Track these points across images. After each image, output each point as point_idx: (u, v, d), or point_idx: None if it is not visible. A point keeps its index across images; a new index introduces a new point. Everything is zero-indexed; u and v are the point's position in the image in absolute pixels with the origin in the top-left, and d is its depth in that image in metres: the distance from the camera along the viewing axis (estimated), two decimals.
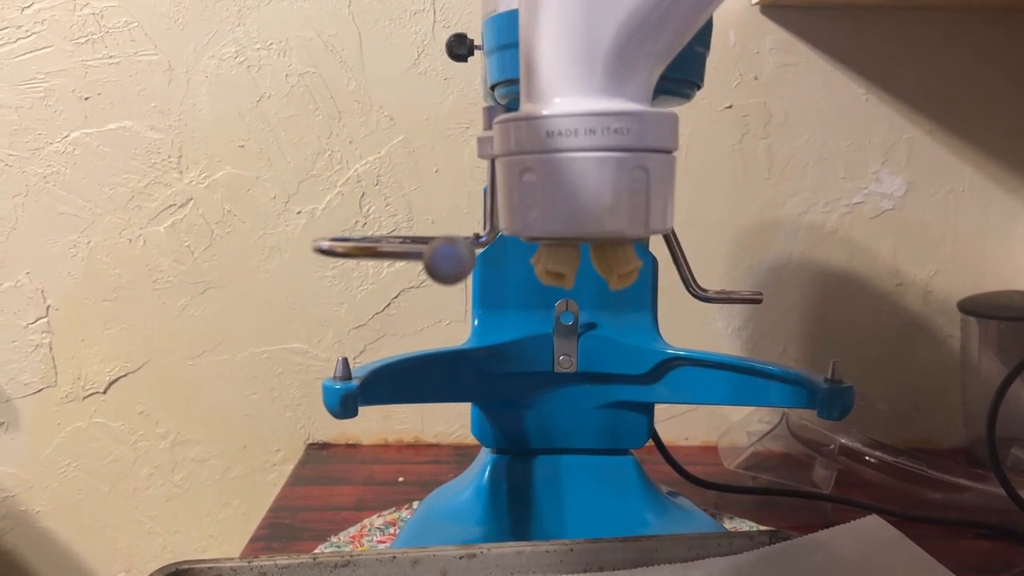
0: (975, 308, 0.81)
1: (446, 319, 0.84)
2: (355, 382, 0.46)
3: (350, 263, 0.83)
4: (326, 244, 0.33)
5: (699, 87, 0.47)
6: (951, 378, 0.86)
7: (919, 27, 0.82)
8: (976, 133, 0.84)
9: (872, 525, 0.49)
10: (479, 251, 0.57)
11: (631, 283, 0.36)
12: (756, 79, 0.83)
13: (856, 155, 0.84)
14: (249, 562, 0.44)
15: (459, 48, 0.51)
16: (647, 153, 0.33)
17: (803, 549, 0.47)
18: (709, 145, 0.83)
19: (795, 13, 0.82)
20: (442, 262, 0.26)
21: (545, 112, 0.32)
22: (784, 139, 0.83)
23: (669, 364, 0.57)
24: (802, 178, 0.84)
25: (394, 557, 0.45)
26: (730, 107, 0.83)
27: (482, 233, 0.38)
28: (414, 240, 0.31)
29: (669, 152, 0.34)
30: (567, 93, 0.32)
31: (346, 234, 0.83)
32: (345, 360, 0.46)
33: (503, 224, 0.34)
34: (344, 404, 0.45)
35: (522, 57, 0.34)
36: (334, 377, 0.46)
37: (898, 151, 0.84)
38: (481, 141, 0.38)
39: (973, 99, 0.83)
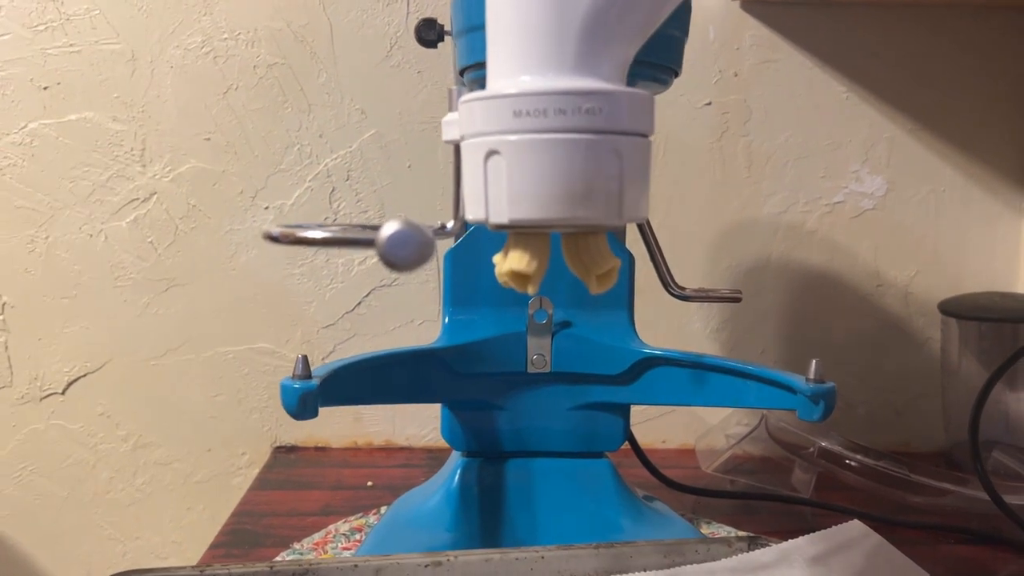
0: (956, 309, 0.80)
1: (419, 318, 0.82)
2: (315, 381, 0.44)
3: (319, 260, 0.81)
4: (276, 231, 0.31)
5: (676, 74, 0.45)
6: (931, 381, 0.85)
7: (901, 24, 0.81)
8: (957, 133, 0.83)
9: (854, 530, 0.48)
10: (445, 241, 0.55)
11: (612, 285, 0.34)
12: (736, 75, 0.82)
13: (836, 154, 0.83)
14: (202, 571, 0.42)
15: (428, 33, 0.49)
16: (621, 136, 0.31)
17: (783, 555, 0.46)
18: (687, 143, 0.82)
19: (775, 9, 0.80)
20: (397, 247, 0.24)
21: (512, 90, 0.30)
22: (764, 137, 0.82)
23: (646, 364, 0.55)
24: (782, 177, 0.83)
25: (356, 565, 0.43)
26: (709, 104, 0.82)
27: (448, 223, 0.36)
28: (370, 228, 0.29)
29: (645, 136, 0.32)
30: (536, 70, 0.30)
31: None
32: (304, 358, 0.44)
33: (468, 211, 0.32)
34: (303, 404, 0.43)
35: (489, 32, 0.32)
36: (293, 376, 0.44)
37: (879, 150, 0.83)
38: (447, 124, 0.36)
39: (955, 98, 0.82)
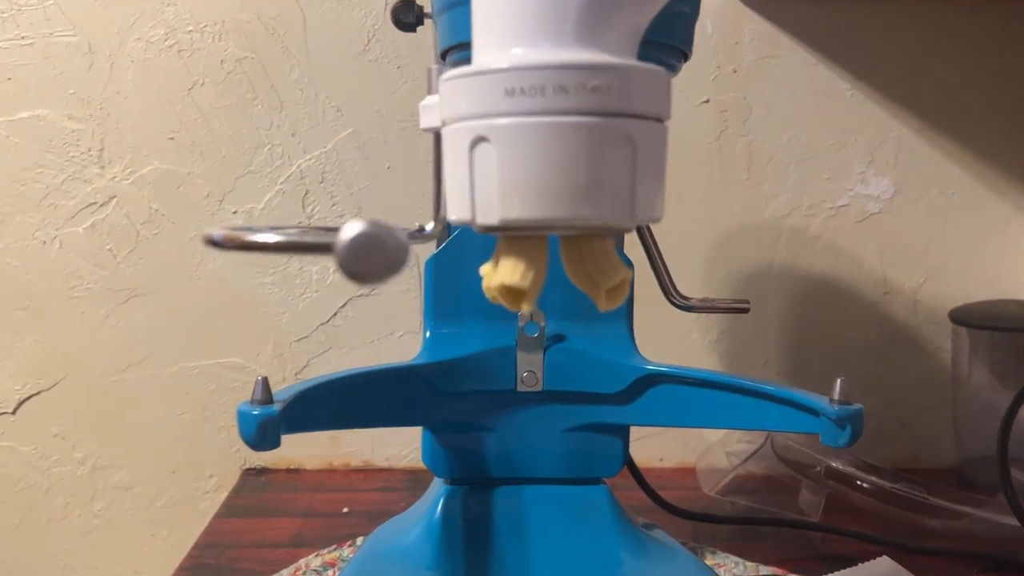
0: (967, 318, 0.76)
1: (399, 330, 0.77)
2: (276, 406, 0.38)
3: (292, 267, 0.75)
4: (218, 234, 0.26)
5: (687, 57, 0.40)
6: (941, 393, 0.81)
7: (907, 19, 0.77)
8: (966, 132, 0.78)
9: (883, 567, 0.43)
10: (427, 247, 0.50)
11: (622, 300, 0.29)
12: (735, 72, 0.77)
13: (840, 154, 0.78)
14: None
15: (406, 15, 0.44)
16: (634, 120, 0.26)
17: None
18: (685, 142, 0.77)
19: (776, 2, 0.76)
20: (359, 254, 0.19)
21: (502, 64, 0.25)
22: (764, 137, 0.78)
23: (648, 381, 0.50)
24: (784, 179, 0.78)
25: None
26: (707, 102, 0.77)
27: (427, 225, 0.31)
28: (332, 230, 0.24)
29: (660, 121, 0.27)
30: (531, 41, 0.25)
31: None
32: (264, 380, 0.39)
33: (451, 211, 0.27)
34: (262, 432, 0.38)
35: (475, 0, 0.27)
36: (251, 400, 0.39)
37: (885, 150, 0.78)
38: (425, 109, 0.30)
39: (963, 96, 0.78)
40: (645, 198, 0.26)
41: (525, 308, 0.27)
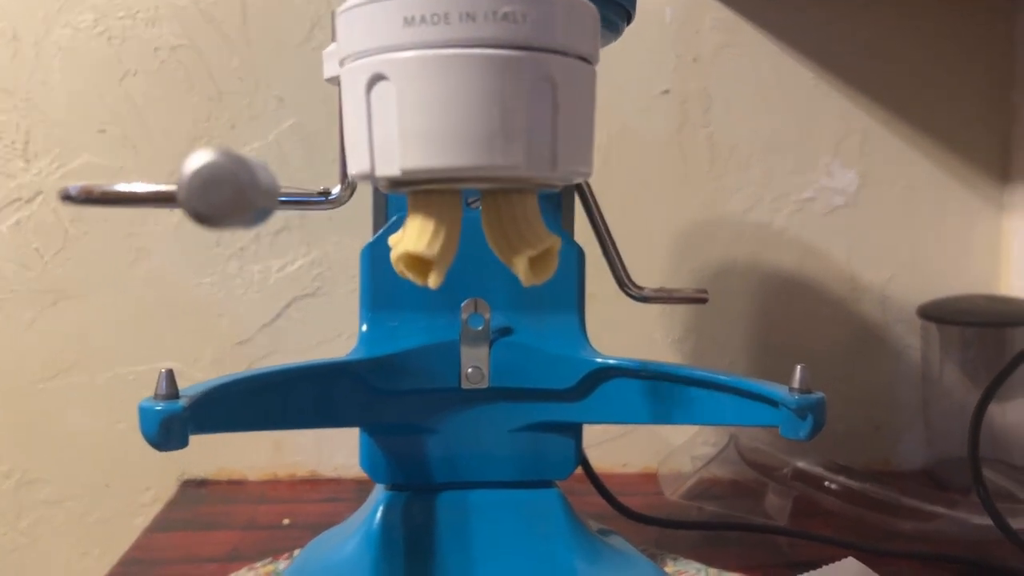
0: (937, 314, 0.73)
1: (346, 332, 0.73)
2: (182, 402, 0.34)
3: (232, 267, 0.71)
4: (74, 188, 0.22)
5: (630, 18, 0.37)
6: (911, 392, 0.78)
7: (874, 7, 0.75)
8: (934, 123, 0.76)
9: (850, 570, 0.40)
10: (364, 236, 0.46)
11: (550, 274, 0.26)
12: (695, 61, 0.74)
13: (805, 146, 0.76)
14: None
15: None
16: (555, 55, 0.22)
17: None
18: (644, 134, 0.74)
19: None
20: (200, 186, 0.16)
21: None
22: (727, 128, 0.75)
23: (600, 376, 0.46)
24: (747, 171, 0.75)
25: None
26: (667, 92, 0.74)
27: (333, 189, 0.28)
28: None
29: (587, 61, 0.24)
30: None
31: (225, 233, 0.71)
32: (170, 372, 0.35)
33: (350, 165, 0.24)
34: (166, 430, 0.34)
35: None
36: (155, 395, 0.35)
37: (851, 142, 0.76)
38: (328, 56, 0.27)
39: (931, 86, 0.76)
40: (569, 148, 0.23)
41: (432, 282, 0.24)
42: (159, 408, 0.34)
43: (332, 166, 0.71)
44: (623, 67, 0.73)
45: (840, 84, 0.75)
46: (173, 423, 0.34)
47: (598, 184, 0.50)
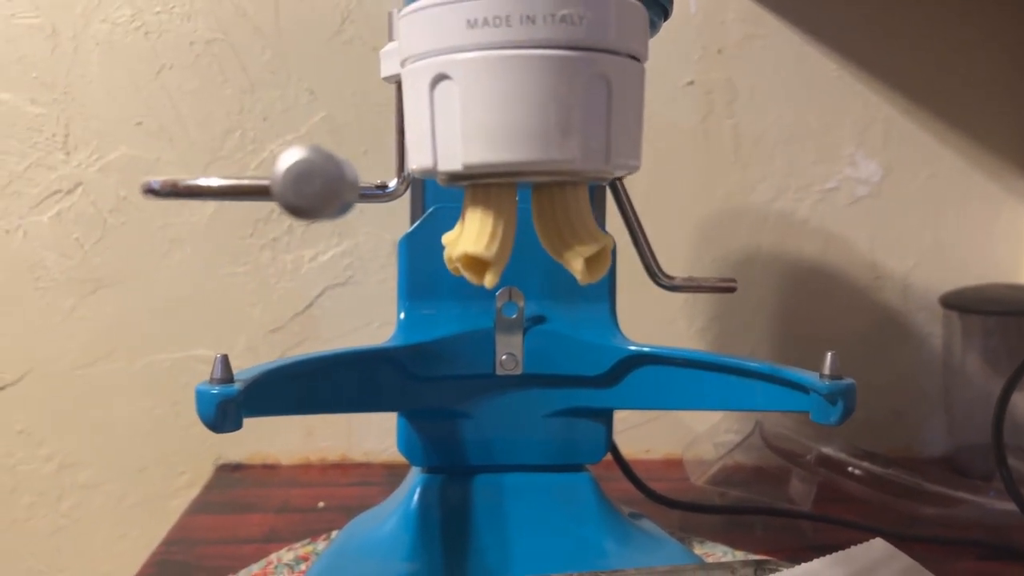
0: (958, 302, 0.74)
1: (377, 320, 0.74)
2: (237, 386, 0.36)
3: (264, 256, 0.73)
4: (156, 182, 0.23)
5: (667, 13, 0.38)
6: (933, 380, 0.79)
7: None
8: (957, 112, 0.77)
9: (878, 550, 0.41)
10: (401, 227, 0.47)
11: (603, 273, 0.27)
12: (720, 52, 0.75)
13: (829, 136, 0.76)
14: None
15: None
16: (609, 55, 0.24)
17: None
18: (669, 125, 0.75)
19: None
20: (295, 182, 0.17)
21: None
22: (751, 118, 0.76)
23: (631, 363, 0.48)
24: (771, 161, 0.76)
25: None
26: (691, 83, 0.75)
27: (390, 182, 0.29)
28: None
29: (637, 60, 0.25)
30: None
31: (259, 224, 0.73)
32: (224, 358, 0.36)
33: (412, 160, 0.25)
34: (223, 413, 0.35)
35: None
36: (211, 379, 0.36)
37: (874, 132, 0.77)
38: (386, 55, 0.28)
39: (953, 75, 0.77)
40: (621, 142, 0.24)
41: (488, 282, 0.25)
42: (215, 392, 0.36)
43: (362, 159, 0.73)
44: (649, 59, 0.74)
45: (863, 75, 0.76)
46: (229, 406, 0.36)
47: None
